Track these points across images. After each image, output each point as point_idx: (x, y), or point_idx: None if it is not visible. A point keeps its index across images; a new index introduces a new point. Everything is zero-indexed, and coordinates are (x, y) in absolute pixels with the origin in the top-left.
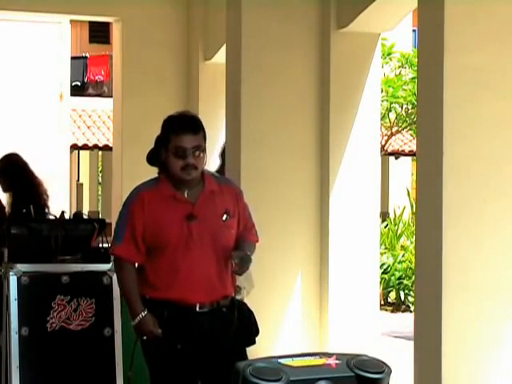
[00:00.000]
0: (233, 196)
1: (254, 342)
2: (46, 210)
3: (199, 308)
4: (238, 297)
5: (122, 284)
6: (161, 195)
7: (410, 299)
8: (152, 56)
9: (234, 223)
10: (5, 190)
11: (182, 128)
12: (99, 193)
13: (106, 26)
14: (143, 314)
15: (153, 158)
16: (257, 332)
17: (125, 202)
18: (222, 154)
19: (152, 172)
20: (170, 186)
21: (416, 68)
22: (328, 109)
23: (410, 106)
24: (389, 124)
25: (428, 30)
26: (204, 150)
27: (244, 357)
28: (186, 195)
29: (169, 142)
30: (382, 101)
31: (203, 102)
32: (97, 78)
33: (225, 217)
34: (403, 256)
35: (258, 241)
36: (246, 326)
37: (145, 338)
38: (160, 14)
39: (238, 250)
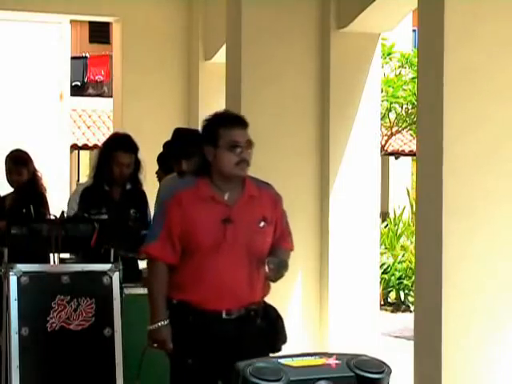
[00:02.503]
0: (271, 202)
1: (279, 350)
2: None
3: (226, 315)
4: None
5: (151, 285)
6: (199, 196)
7: (410, 299)
8: (152, 56)
9: (270, 230)
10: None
11: (234, 122)
12: None
13: (106, 26)
14: (164, 322)
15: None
16: (284, 339)
17: (162, 199)
18: (158, 159)
19: (151, 172)
20: (210, 186)
21: (416, 68)
22: (328, 109)
23: (410, 106)
24: (389, 124)
25: (428, 30)
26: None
27: None
28: (226, 197)
29: (219, 138)
30: (382, 101)
31: (203, 102)
32: (97, 78)
33: (262, 224)
34: (403, 256)
35: (293, 249)
36: (273, 332)
37: (155, 345)
38: (160, 13)
39: (272, 256)
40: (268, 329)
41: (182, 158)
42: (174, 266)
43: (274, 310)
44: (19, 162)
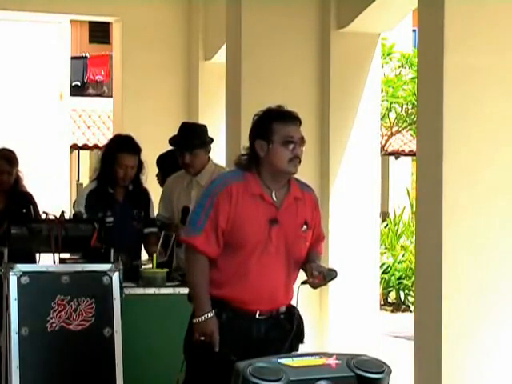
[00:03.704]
0: (312, 205)
1: (297, 350)
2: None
3: (259, 315)
4: None
5: (194, 278)
6: (249, 191)
7: (410, 299)
8: (152, 56)
9: (309, 235)
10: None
11: (289, 118)
12: None
13: (106, 26)
14: (211, 314)
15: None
16: (303, 340)
17: (209, 190)
18: (157, 162)
19: (152, 172)
20: (259, 183)
21: (416, 68)
22: (328, 109)
23: (410, 106)
24: (389, 124)
25: (428, 30)
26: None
27: None
28: (273, 196)
29: (273, 133)
30: (382, 101)
31: (203, 101)
32: (97, 77)
33: (304, 227)
34: (403, 256)
35: (322, 253)
36: (296, 334)
37: (202, 338)
38: (160, 14)
39: (310, 261)
40: (292, 330)
41: (185, 151)
42: (213, 261)
43: (298, 312)
44: (12, 162)
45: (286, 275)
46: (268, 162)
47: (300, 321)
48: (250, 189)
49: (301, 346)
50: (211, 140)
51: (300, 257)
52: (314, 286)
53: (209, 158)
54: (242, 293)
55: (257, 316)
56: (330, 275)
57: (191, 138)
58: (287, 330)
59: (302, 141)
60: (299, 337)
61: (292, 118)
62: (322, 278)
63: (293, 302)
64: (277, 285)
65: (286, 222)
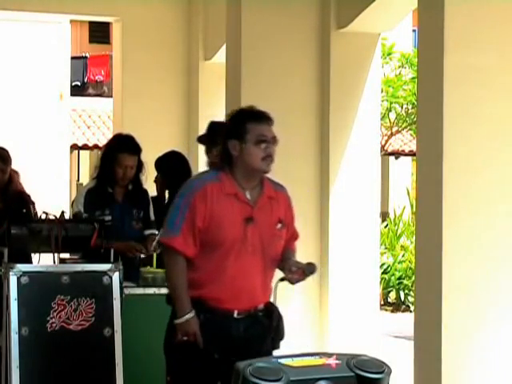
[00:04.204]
0: (286, 204)
1: (278, 347)
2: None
3: (237, 314)
4: None
5: (174, 278)
6: (224, 191)
7: (410, 299)
8: (152, 56)
9: (284, 233)
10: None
11: (261, 117)
12: None
13: (106, 26)
14: (192, 314)
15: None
16: (283, 337)
17: (184, 190)
18: (156, 164)
19: (151, 172)
20: (234, 183)
21: (416, 68)
22: (328, 109)
23: (410, 106)
24: (389, 124)
25: (428, 30)
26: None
27: None
28: (248, 196)
29: (246, 133)
30: (382, 101)
31: (203, 101)
32: (97, 78)
33: (279, 226)
34: (403, 256)
35: (296, 251)
36: (275, 331)
37: (185, 338)
38: (160, 14)
39: (287, 258)
40: (272, 328)
41: (212, 148)
42: (190, 261)
43: (277, 308)
44: (5, 160)
45: (263, 273)
46: (241, 161)
47: (280, 318)
48: (225, 189)
49: (301, 345)
50: None
51: (276, 255)
52: (292, 282)
53: None
54: (219, 292)
55: (235, 315)
56: (309, 269)
57: (214, 135)
58: (266, 326)
59: (275, 140)
60: (279, 334)
61: (265, 118)
62: (301, 273)
63: (272, 300)
64: (254, 283)
65: (261, 221)
